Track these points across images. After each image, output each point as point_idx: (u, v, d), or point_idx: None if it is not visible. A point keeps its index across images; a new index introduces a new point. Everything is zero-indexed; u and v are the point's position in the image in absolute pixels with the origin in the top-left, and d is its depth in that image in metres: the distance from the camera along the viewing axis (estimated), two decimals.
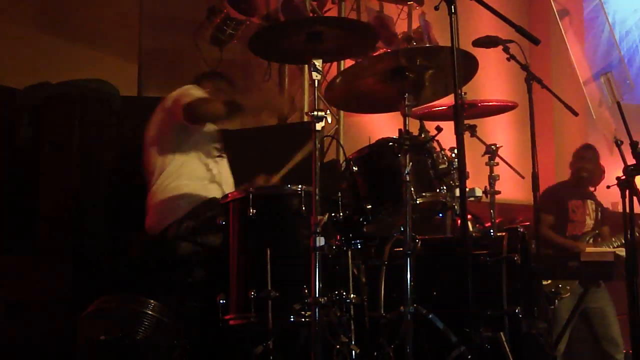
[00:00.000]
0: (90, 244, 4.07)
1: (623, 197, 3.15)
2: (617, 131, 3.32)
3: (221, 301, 3.20)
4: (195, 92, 3.88)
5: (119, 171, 4.33)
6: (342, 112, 5.70)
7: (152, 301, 3.28)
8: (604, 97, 3.25)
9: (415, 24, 5.92)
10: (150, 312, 3.25)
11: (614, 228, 5.42)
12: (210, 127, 3.98)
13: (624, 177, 3.00)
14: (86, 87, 4.42)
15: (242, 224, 3.23)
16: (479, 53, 4.06)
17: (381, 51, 5.11)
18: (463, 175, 2.73)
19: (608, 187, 3.25)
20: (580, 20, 6.06)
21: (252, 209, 3.18)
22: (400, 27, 5.92)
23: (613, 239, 5.25)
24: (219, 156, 3.97)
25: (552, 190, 5.69)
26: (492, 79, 5.97)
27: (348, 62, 4.15)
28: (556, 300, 4.77)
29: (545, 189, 5.61)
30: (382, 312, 3.28)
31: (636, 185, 3.00)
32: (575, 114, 4.30)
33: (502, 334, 3.18)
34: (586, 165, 5.64)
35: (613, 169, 3.37)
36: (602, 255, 4.58)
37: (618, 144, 3.35)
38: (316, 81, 3.02)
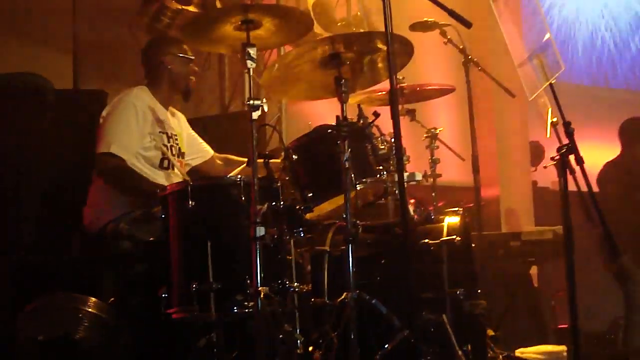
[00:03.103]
0: (27, 242, 3.97)
1: (559, 176, 3.20)
2: (552, 111, 3.37)
3: (163, 295, 3.16)
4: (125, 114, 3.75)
5: (56, 166, 4.23)
6: (283, 100, 5.67)
7: (91, 299, 3.22)
8: (538, 78, 3.31)
9: (354, 10, 5.91)
10: (90, 310, 3.19)
11: None
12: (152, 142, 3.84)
13: (557, 157, 3.05)
14: (16, 81, 4.29)
15: (181, 215, 3.19)
16: (418, 37, 4.08)
17: (320, 37, 5.10)
18: (400, 160, 2.74)
19: (545, 167, 3.30)
20: (516, 3, 6.14)
21: (191, 201, 3.13)
22: (340, 13, 5.91)
23: None
24: (165, 168, 3.86)
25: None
26: (431, 62, 6.01)
27: (288, 49, 4.12)
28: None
29: None
30: (326, 299, 3.28)
31: (571, 164, 3.05)
32: (513, 95, 4.37)
33: (444, 316, 3.21)
34: None
35: (552, 149, 3.44)
36: (542, 233, 4.67)
37: (553, 124, 3.40)
38: (251, 69, 2.99)
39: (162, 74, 3.94)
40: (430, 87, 4.43)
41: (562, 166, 2.98)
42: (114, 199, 3.69)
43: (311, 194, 3.21)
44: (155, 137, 3.80)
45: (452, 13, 2.89)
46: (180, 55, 3.90)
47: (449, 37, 4.53)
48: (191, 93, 4.03)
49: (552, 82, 3.28)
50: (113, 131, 3.71)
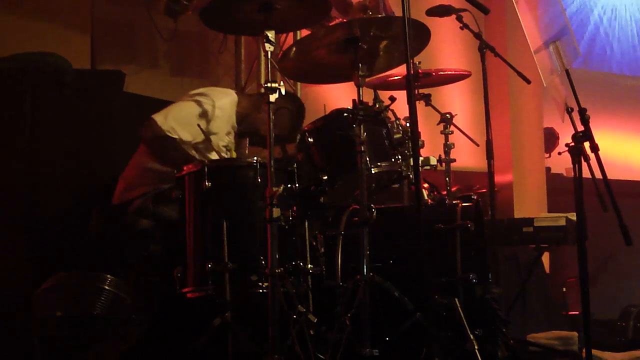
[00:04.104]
0: (45, 218, 4.02)
1: (574, 163, 3.21)
2: (567, 98, 3.36)
3: (178, 274, 3.21)
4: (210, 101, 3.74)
5: (74, 145, 4.26)
6: (299, 83, 5.68)
7: (108, 276, 3.27)
8: (554, 65, 3.31)
9: None
10: (107, 287, 3.24)
11: None
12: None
13: (572, 144, 3.05)
14: (34, 60, 4.32)
15: (197, 196, 3.23)
16: (434, 22, 4.08)
17: (337, 21, 5.10)
18: (416, 144, 2.75)
19: (559, 153, 3.31)
20: None
21: (207, 182, 3.17)
22: None
23: None
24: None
25: None
26: (447, 47, 6.00)
27: (304, 32, 4.13)
28: None
29: None
30: (339, 281, 3.31)
31: (586, 151, 3.06)
32: (528, 81, 4.36)
33: (456, 300, 3.24)
34: None
35: (566, 135, 3.44)
36: (555, 220, 4.67)
37: (568, 110, 3.40)
38: (269, 52, 3.01)
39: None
40: (446, 72, 4.44)
41: (577, 153, 2.98)
42: (148, 174, 3.72)
43: (326, 177, 3.24)
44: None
45: None
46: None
47: (465, 22, 4.52)
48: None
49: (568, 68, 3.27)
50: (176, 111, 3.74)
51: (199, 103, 3.74)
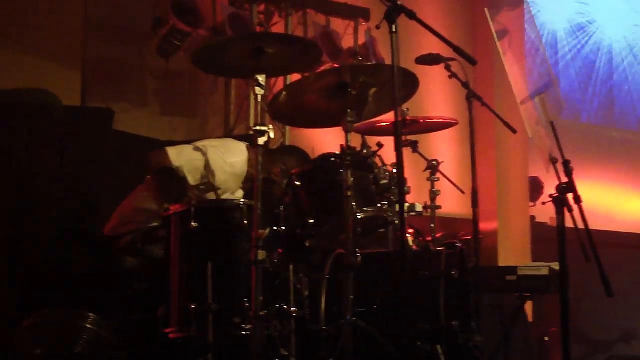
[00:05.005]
0: (29, 254, 4.00)
1: (557, 213, 3.26)
2: (552, 149, 3.43)
3: (162, 314, 3.19)
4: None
5: (64, 181, 4.27)
6: (287, 127, 5.72)
7: (91, 314, 3.25)
8: (540, 117, 3.37)
9: (361, 40, 5.99)
10: (89, 326, 3.22)
11: None
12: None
13: (556, 194, 3.11)
14: (25, 96, 4.35)
15: (183, 236, 3.23)
16: (423, 70, 4.15)
17: (327, 66, 5.16)
18: (402, 191, 2.78)
19: (543, 203, 3.36)
20: (520, 41, 6.23)
21: (194, 222, 3.18)
22: (347, 43, 5.98)
23: None
24: None
25: None
26: (436, 96, 6.09)
27: (295, 76, 4.18)
28: None
29: None
30: (323, 325, 3.31)
31: (569, 201, 3.11)
32: (514, 131, 4.42)
33: (439, 347, 3.24)
34: None
35: (551, 185, 3.50)
36: (538, 269, 4.70)
37: (553, 161, 3.46)
38: (259, 96, 3.05)
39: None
40: (433, 120, 4.49)
41: (560, 204, 3.03)
42: (142, 212, 3.72)
43: (312, 221, 3.26)
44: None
45: (457, 50, 2.95)
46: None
47: (453, 71, 4.59)
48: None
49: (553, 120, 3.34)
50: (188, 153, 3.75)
51: (211, 153, 3.75)
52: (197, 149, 3.77)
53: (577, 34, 7.75)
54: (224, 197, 3.80)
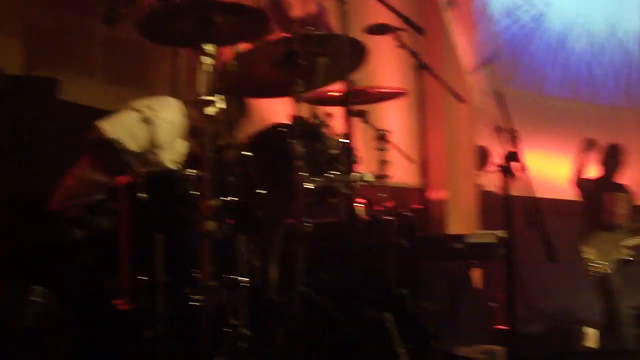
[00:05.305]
0: None
1: (503, 181, 3.33)
2: (499, 119, 3.48)
3: (111, 286, 3.17)
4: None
5: (5, 151, 4.17)
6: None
7: (39, 287, 3.21)
8: (487, 86, 3.42)
9: (312, 10, 5.94)
10: (37, 299, 3.17)
11: None
12: None
13: (502, 163, 3.16)
14: None
15: (132, 207, 3.19)
16: (373, 40, 4.15)
17: (277, 36, 5.12)
18: (350, 160, 2.80)
19: (490, 172, 3.42)
20: (468, 11, 6.27)
21: (142, 193, 3.14)
22: (298, 12, 5.93)
23: None
24: None
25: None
26: (386, 65, 6.09)
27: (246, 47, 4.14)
28: None
29: None
30: (274, 295, 3.33)
31: (514, 170, 3.17)
32: (462, 101, 4.47)
33: (388, 314, 3.29)
34: None
35: (498, 154, 3.56)
36: (485, 237, 4.79)
37: (499, 130, 3.52)
38: (208, 66, 3.02)
39: None
40: (382, 90, 4.51)
41: (506, 172, 3.09)
42: (88, 184, 3.65)
43: (262, 191, 3.26)
44: None
45: (406, 19, 2.96)
46: None
47: (403, 41, 4.61)
48: None
49: (500, 89, 3.39)
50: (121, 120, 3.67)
51: (141, 113, 3.70)
52: (129, 113, 3.72)
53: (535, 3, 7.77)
54: (170, 159, 3.76)
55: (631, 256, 6.22)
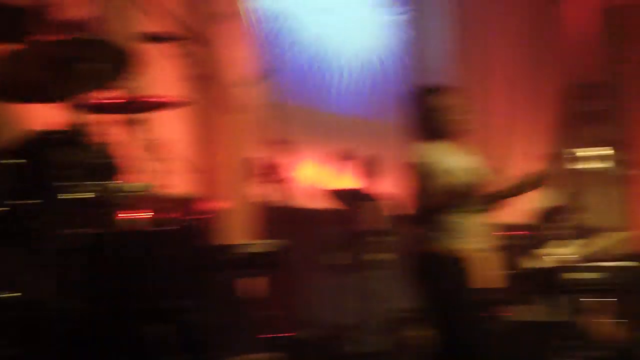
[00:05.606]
0: None
1: (269, 191, 3.41)
2: (274, 130, 3.58)
3: None
4: None
5: None
6: None
7: None
8: (264, 98, 3.50)
9: (90, 13, 5.72)
10: None
11: None
12: None
13: (268, 173, 3.25)
14: None
15: None
16: (154, 48, 4.06)
17: (47, 37, 4.87)
18: (115, 170, 2.73)
19: (257, 182, 3.50)
20: (247, 24, 6.35)
21: None
22: (74, 14, 5.68)
23: None
24: None
25: None
26: (166, 74, 6.01)
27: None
28: None
29: None
30: (47, 310, 3.14)
31: (280, 179, 3.26)
32: (239, 112, 4.53)
33: (168, 327, 3.24)
34: None
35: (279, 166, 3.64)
36: (255, 246, 4.89)
37: (276, 142, 3.62)
38: None
39: None
40: (161, 99, 4.44)
41: (278, 182, 3.17)
42: None
43: (26, 201, 3.07)
44: None
45: (185, 29, 2.95)
46: None
47: (184, 50, 4.57)
48: None
49: (274, 102, 3.49)
50: None
51: None
52: None
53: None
54: None
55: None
